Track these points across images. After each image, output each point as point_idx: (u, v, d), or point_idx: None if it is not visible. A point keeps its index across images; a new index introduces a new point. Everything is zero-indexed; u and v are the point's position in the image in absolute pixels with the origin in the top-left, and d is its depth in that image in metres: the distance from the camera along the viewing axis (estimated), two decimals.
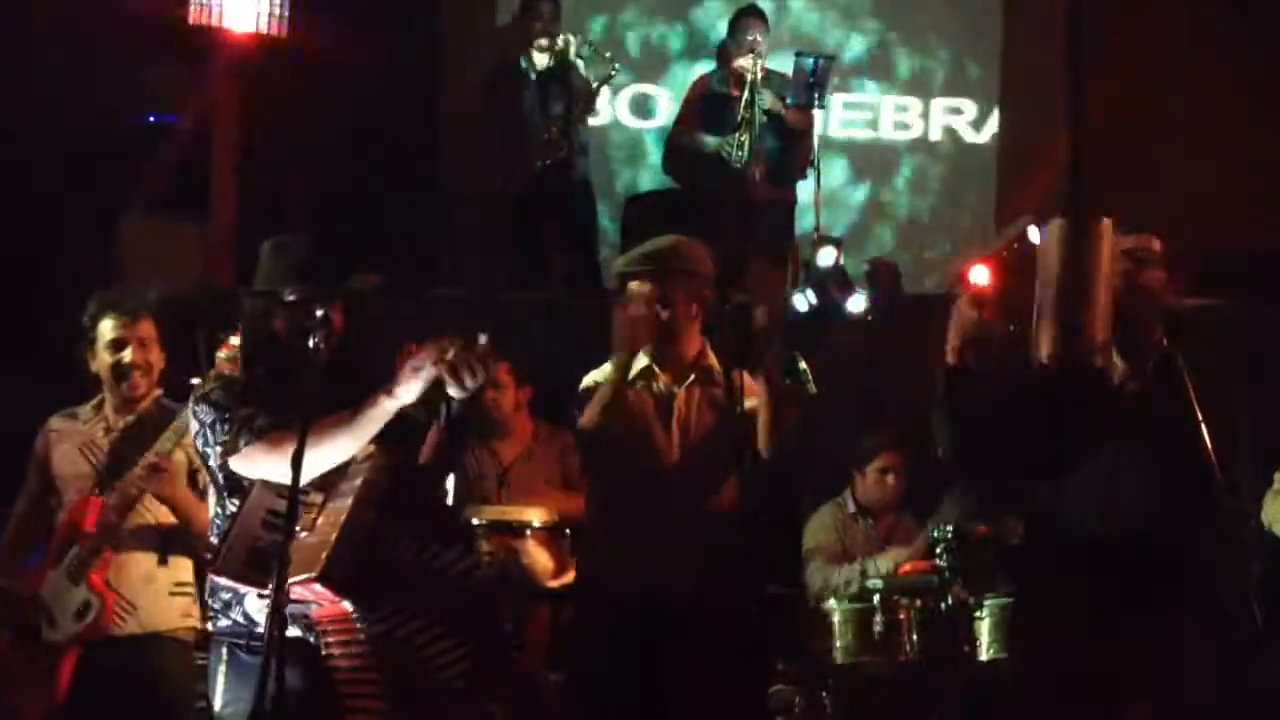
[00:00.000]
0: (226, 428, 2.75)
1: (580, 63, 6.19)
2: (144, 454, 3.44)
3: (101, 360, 3.51)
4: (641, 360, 3.27)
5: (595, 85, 6.25)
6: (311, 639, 2.76)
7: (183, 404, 3.43)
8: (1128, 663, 2.89)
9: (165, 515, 3.51)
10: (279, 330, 2.81)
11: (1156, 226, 6.64)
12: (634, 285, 3.21)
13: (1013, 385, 2.95)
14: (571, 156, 6.15)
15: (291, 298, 2.79)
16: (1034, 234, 3.22)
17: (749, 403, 3.22)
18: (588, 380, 3.29)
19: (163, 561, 3.52)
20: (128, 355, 3.48)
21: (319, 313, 2.76)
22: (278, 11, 5.82)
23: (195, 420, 2.82)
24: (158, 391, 3.57)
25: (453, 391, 2.67)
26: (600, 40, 6.40)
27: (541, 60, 6.14)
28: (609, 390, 3.20)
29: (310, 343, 2.70)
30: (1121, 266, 2.97)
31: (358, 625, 2.75)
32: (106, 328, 3.49)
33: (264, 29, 5.77)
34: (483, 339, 2.65)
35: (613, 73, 6.29)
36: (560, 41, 6.13)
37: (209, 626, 2.92)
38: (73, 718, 3.48)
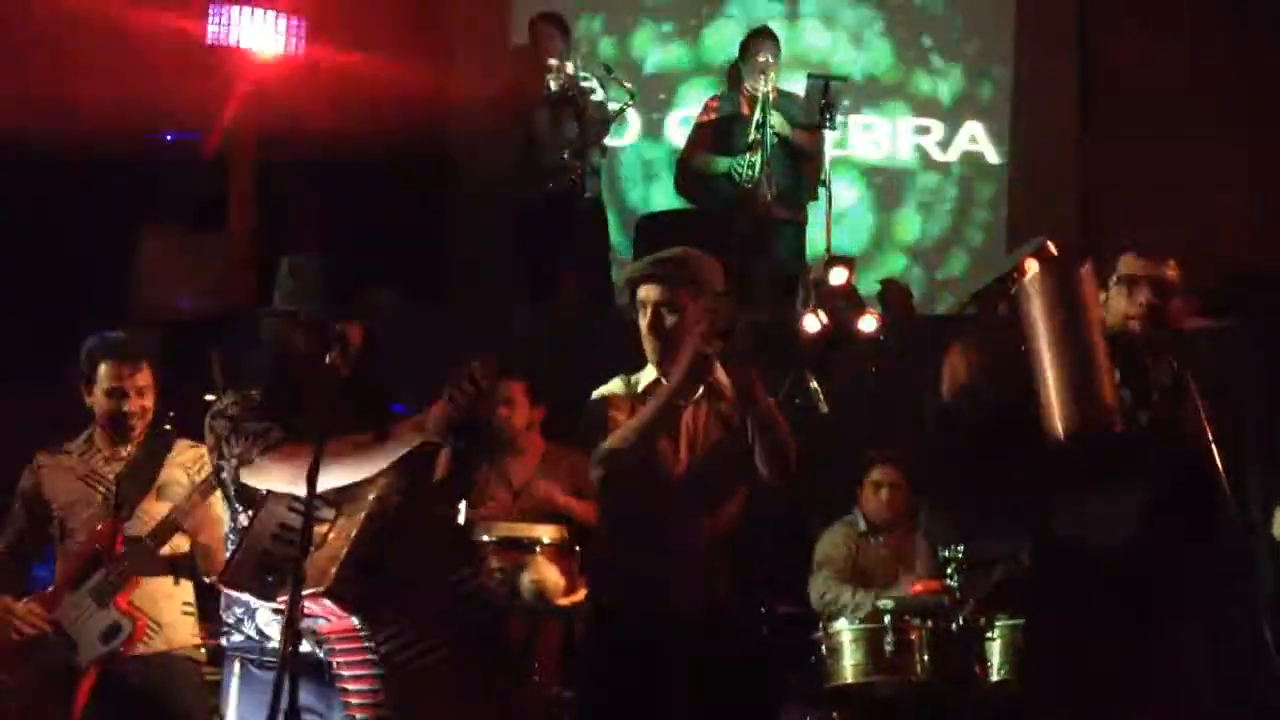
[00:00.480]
0: (241, 440, 2.80)
1: (594, 84, 6.24)
2: (153, 482, 3.59)
3: (99, 403, 3.65)
4: (649, 374, 3.24)
5: (615, 110, 6.28)
6: (321, 654, 2.78)
7: (170, 430, 3.66)
8: (1136, 686, 2.89)
9: (178, 542, 3.61)
10: (297, 348, 2.86)
11: (1168, 245, 6.62)
12: (642, 291, 3.17)
13: (1016, 413, 2.87)
14: (582, 179, 6.19)
15: (307, 316, 2.84)
16: (1031, 266, 3.16)
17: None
18: (597, 395, 3.27)
19: (175, 582, 3.64)
20: (126, 405, 3.63)
21: (335, 330, 2.81)
22: (293, 31, 5.88)
23: (210, 434, 2.88)
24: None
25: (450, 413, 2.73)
26: (615, 65, 6.44)
27: (554, 84, 6.18)
28: (642, 419, 3.11)
29: (326, 360, 2.74)
30: (1142, 294, 2.93)
31: (365, 642, 2.77)
32: (105, 374, 3.62)
33: (280, 49, 5.83)
34: (478, 366, 2.69)
35: (629, 102, 6.34)
36: (571, 66, 6.18)
37: (222, 641, 2.97)
38: None
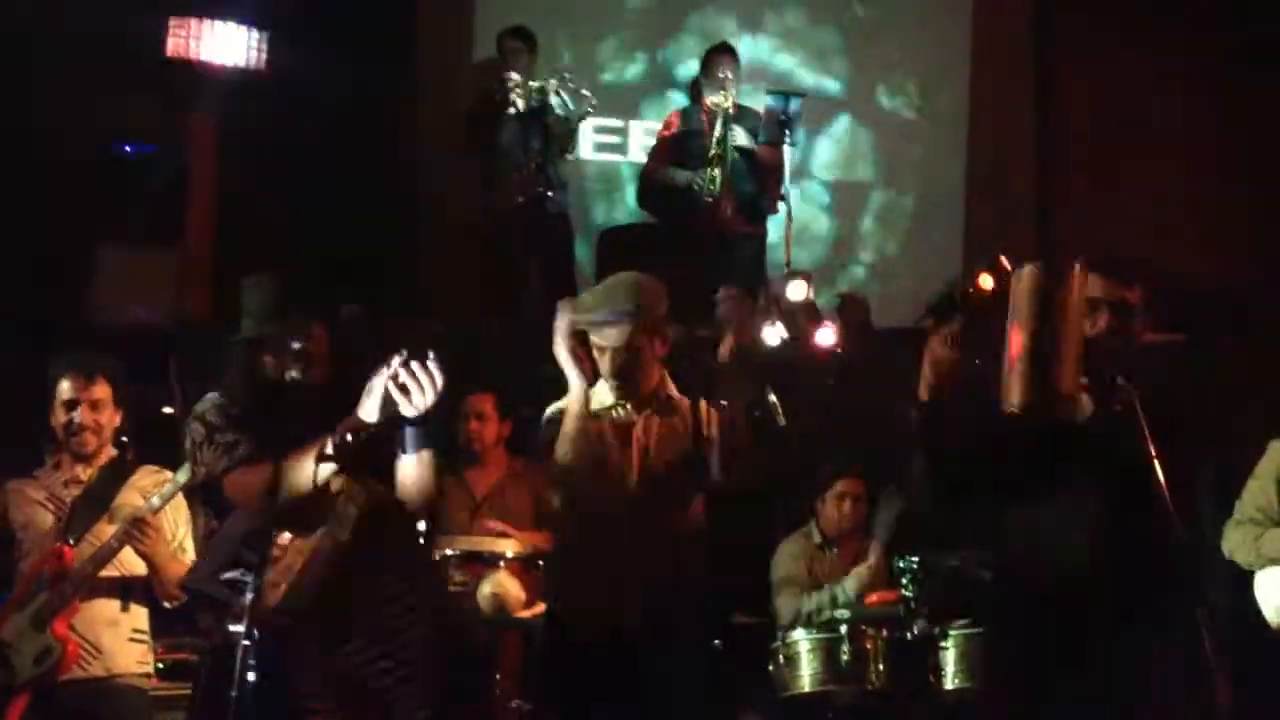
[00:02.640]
0: (212, 450, 2.91)
1: (558, 100, 6.27)
2: (107, 506, 3.60)
3: (57, 418, 3.67)
4: (603, 393, 3.31)
5: (574, 121, 6.32)
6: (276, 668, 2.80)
7: (134, 461, 3.66)
8: (1091, 694, 2.95)
9: (132, 565, 3.62)
10: (264, 369, 2.91)
11: (1129, 267, 6.72)
12: (597, 338, 3.26)
13: (982, 426, 2.94)
14: (549, 192, 6.21)
15: (268, 339, 2.89)
16: (986, 281, 3.22)
17: (713, 431, 3.28)
18: (551, 410, 3.33)
19: (124, 608, 3.63)
20: (78, 416, 3.64)
21: (295, 346, 2.85)
22: (255, 44, 5.87)
23: (189, 437, 3.01)
24: (113, 452, 3.72)
25: (404, 410, 2.73)
26: (575, 77, 6.48)
27: (519, 99, 6.20)
28: (576, 424, 3.22)
29: (287, 377, 2.79)
30: (1103, 318, 2.98)
31: (322, 658, 2.80)
32: (64, 388, 3.66)
33: (241, 62, 5.82)
34: (431, 355, 2.72)
35: (589, 110, 6.37)
36: (537, 82, 6.21)
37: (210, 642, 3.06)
38: None
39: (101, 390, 3.67)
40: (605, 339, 3.25)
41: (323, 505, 2.85)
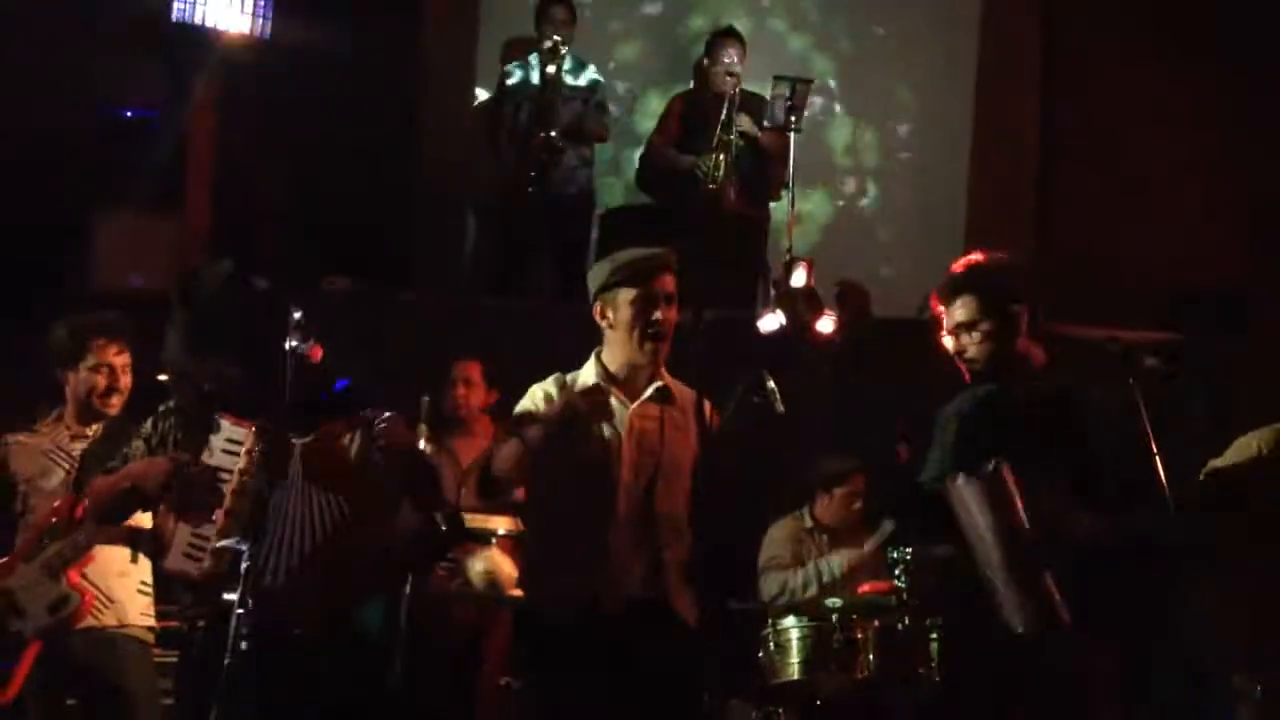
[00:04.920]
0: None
1: (590, 74, 6.21)
2: (114, 460, 3.61)
3: (83, 379, 3.70)
4: (588, 374, 3.20)
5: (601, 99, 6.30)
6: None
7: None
8: (1045, 689, 2.98)
9: (139, 518, 3.63)
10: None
11: (1123, 261, 6.73)
12: (660, 283, 3.16)
13: None
14: (567, 169, 6.14)
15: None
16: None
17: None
18: (526, 402, 3.20)
19: (134, 559, 3.65)
20: (114, 381, 3.70)
21: (296, 315, 2.90)
22: (260, 11, 5.83)
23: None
24: None
25: None
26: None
27: (548, 67, 6.09)
28: (558, 410, 3.09)
29: (289, 345, 2.87)
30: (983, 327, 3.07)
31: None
32: (92, 351, 3.69)
33: (246, 29, 5.78)
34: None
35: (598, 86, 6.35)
36: (565, 50, 6.12)
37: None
38: (33, 706, 3.55)
39: (127, 356, 3.73)
40: (665, 283, 3.14)
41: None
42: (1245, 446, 3.76)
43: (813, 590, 4.57)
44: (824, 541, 4.82)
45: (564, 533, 3.12)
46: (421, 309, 5.91)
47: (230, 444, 3.49)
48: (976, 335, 3.07)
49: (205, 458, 3.45)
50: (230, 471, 3.45)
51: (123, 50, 5.81)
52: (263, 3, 5.77)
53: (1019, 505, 2.88)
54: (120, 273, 5.67)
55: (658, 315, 3.14)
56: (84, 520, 3.57)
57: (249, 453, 3.45)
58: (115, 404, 3.71)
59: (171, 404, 3.63)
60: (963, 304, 3.08)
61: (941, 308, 3.15)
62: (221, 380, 3.41)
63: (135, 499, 3.47)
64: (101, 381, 3.68)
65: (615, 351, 3.22)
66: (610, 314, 3.20)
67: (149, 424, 3.60)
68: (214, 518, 3.35)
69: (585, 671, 3.01)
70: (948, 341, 3.13)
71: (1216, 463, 3.80)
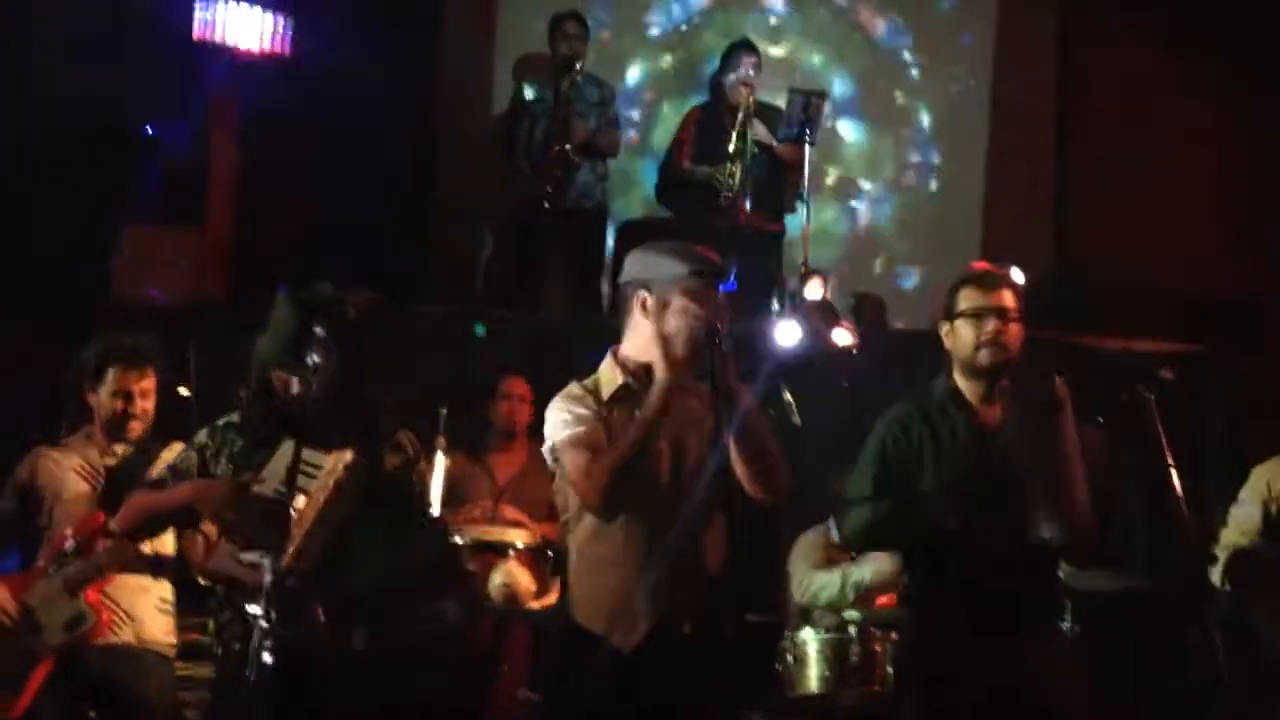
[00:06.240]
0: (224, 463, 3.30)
1: (605, 89, 6.27)
2: (140, 479, 3.58)
3: (103, 404, 3.74)
4: (610, 379, 2.90)
5: (613, 112, 6.35)
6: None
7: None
8: (1001, 693, 3.02)
9: (162, 543, 3.67)
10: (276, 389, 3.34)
11: (1137, 271, 6.71)
12: (704, 290, 2.86)
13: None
14: (581, 184, 6.17)
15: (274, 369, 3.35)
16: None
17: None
18: (567, 419, 2.86)
19: (154, 577, 3.68)
20: (131, 408, 3.73)
21: (318, 330, 2.95)
22: (279, 28, 5.88)
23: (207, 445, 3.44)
24: None
25: None
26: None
27: (561, 82, 6.15)
28: (634, 434, 2.79)
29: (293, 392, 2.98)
30: (990, 325, 3.12)
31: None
32: (112, 377, 3.72)
33: (266, 46, 5.83)
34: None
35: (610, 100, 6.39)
36: (579, 65, 6.17)
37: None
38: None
39: (150, 381, 3.75)
40: (710, 291, 2.83)
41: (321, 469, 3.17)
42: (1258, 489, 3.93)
43: (834, 593, 4.57)
44: (852, 555, 4.82)
45: (618, 549, 2.84)
46: (437, 322, 5.94)
47: (309, 467, 3.16)
48: (1014, 327, 3.13)
49: (262, 478, 3.20)
50: (288, 494, 3.11)
51: (145, 66, 5.86)
52: (283, 20, 5.82)
53: (1070, 419, 2.98)
54: (141, 287, 5.72)
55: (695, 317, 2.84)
56: (108, 536, 3.57)
57: (338, 484, 3.12)
58: (136, 429, 3.73)
59: (235, 417, 3.43)
60: (1009, 295, 3.15)
61: (978, 292, 3.14)
62: (303, 394, 3.22)
63: (181, 517, 3.39)
64: (120, 407, 3.70)
65: (642, 347, 2.89)
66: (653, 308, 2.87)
67: (204, 434, 3.41)
68: (284, 551, 3.01)
69: (626, 693, 2.82)
70: (974, 327, 3.11)
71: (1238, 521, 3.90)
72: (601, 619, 2.81)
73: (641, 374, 2.88)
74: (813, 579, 4.67)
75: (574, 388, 2.90)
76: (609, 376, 2.90)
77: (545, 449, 2.91)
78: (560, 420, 2.85)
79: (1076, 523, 2.91)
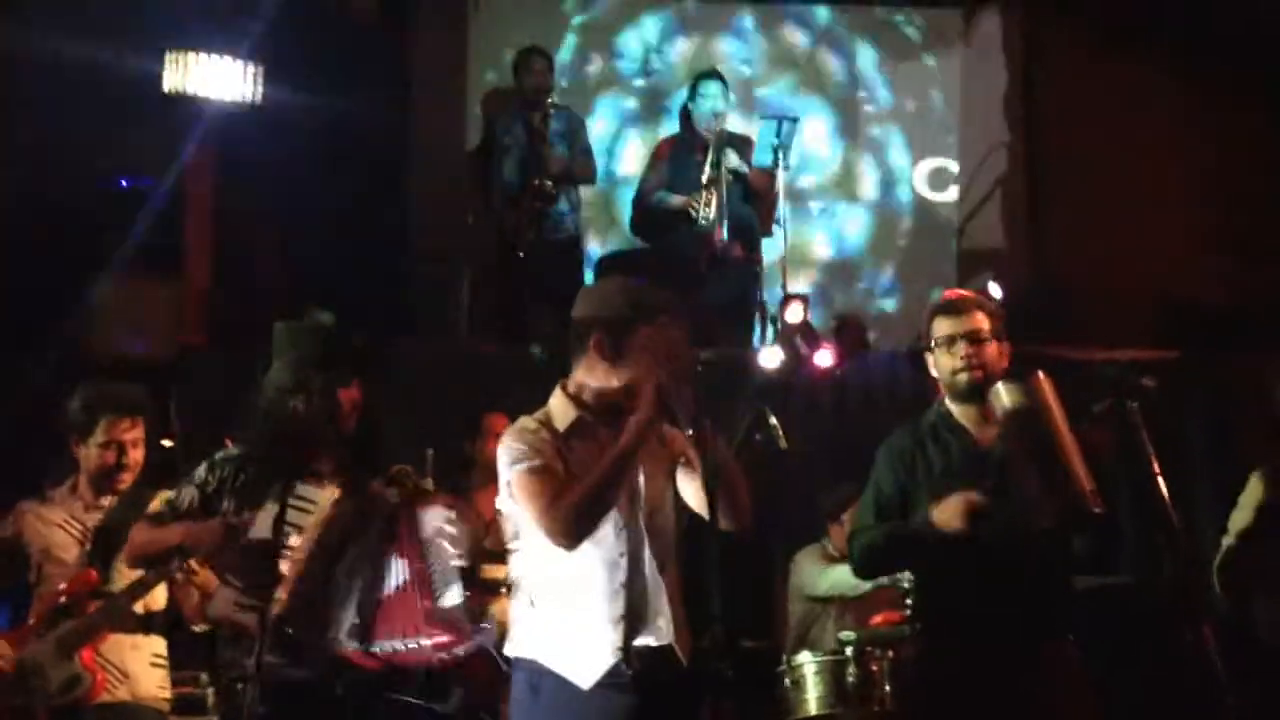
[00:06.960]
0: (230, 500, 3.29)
1: (575, 121, 6.31)
2: (128, 529, 3.54)
3: (92, 456, 3.69)
4: (564, 412, 2.84)
5: (582, 149, 6.38)
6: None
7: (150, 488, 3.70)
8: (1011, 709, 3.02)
9: (154, 599, 3.64)
10: (297, 413, 3.25)
11: (1115, 281, 6.76)
12: (671, 329, 2.83)
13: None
14: (555, 215, 6.21)
15: (313, 385, 3.28)
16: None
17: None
18: (526, 452, 2.76)
19: (146, 633, 3.65)
20: (121, 459, 3.68)
21: (339, 397, 3.03)
22: (251, 78, 5.89)
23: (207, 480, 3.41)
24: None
25: None
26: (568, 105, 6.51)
27: (532, 119, 6.20)
28: (606, 468, 2.73)
29: (327, 423, 3.01)
30: (962, 350, 3.17)
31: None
32: (103, 428, 3.67)
33: (238, 96, 5.84)
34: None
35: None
36: (547, 98, 6.23)
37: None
38: None
39: (139, 430, 3.71)
40: (676, 330, 2.81)
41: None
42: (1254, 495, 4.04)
43: (828, 586, 4.69)
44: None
45: (590, 585, 2.78)
46: (421, 360, 5.93)
47: (303, 502, 3.17)
48: (990, 348, 3.19)
49: (260, 520, 3.15)
50: (282, 532, 3.07)
51: (117, 121, 5.87)
52: (254, 69, 5.84)
53: (1055, 405, 3.01)
54: (119, 338, 5.71)
55: (665, 360, 2.79)
56: (99, 599, 3.54)
57: (328, 521, 3.13)
58: (125, 479, 3.69)
59: (234, 450, 3.39)
60: (980, 317, 3.21)
61: (949, 320, 3.20)
62: (311, 423, 3.16)
63: (177, 555, 3.35)
64: (111, 458, 3.66)
65: (595, 378, 2.85)
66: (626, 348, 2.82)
67: (203, 469, 3.37)
68: (278, 596, 3.01)
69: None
70: (949, 354, 3.18)
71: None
72: (557, 653, 2.76)
73: (598, 407, 2.84)
74: (827, 574, 4.77)
75: (526, 421, 2.84)
76: (562, 410, 2.85)
77: (502, 481, 2.84)
78: (517, 451, 2.78)
79: (1074, 486, 2.90)
